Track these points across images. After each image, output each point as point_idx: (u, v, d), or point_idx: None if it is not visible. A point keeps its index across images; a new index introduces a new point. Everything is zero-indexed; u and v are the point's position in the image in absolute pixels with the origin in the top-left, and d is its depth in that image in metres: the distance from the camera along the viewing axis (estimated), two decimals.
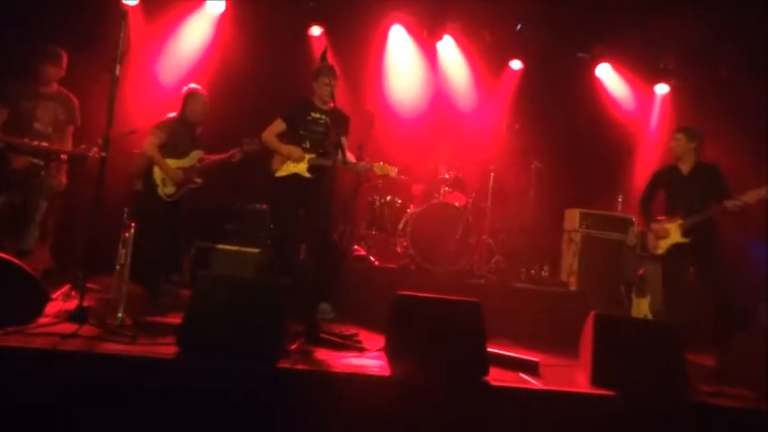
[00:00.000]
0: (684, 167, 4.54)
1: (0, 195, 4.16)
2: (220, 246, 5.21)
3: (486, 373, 2.84)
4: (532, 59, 6.81)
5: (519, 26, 6.51)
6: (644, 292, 5.09)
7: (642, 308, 5.04)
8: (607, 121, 6.77)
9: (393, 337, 2.94)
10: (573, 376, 3.23)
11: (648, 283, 5.05)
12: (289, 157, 4.21)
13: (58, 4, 5.46)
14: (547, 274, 5.70)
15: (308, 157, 4.19)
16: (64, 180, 4.43)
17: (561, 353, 3.80)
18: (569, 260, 5.64)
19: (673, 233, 4.46)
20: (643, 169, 6.71)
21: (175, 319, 3.30)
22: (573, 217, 5.72)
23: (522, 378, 3.02)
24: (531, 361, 3.23)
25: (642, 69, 6.89)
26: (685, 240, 4.39)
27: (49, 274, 4.34)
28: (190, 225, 5.09)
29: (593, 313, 3.20)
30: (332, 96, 4.00)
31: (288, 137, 4.28)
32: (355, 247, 5.65)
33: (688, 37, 6.53)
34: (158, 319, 3.54)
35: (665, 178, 4.65)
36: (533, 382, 2.95)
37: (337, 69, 6.36)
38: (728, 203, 4.16)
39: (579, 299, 5.01)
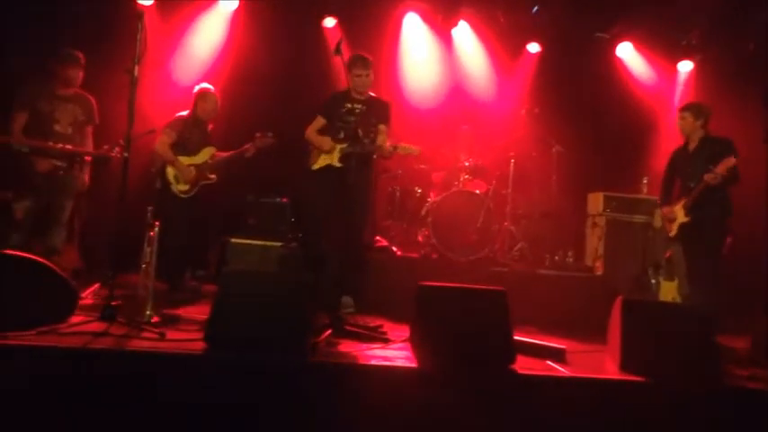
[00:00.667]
0: (692, 145, 4.46)
1: (26, 198, 4.26)
2: (243, 240, 5.26)
3: (513, 361, 2.83)
4: (550, 42, 6.67)
5: (535, 8, 6.39)
6: (671, 275, 5.01)
7: (670, 291, 4.97)
8: (629, 102, 6.60)
9: (418, 327, 2.94)
10: (601, 363, 3.20)
11: (676, 266, 4.97)
12: (320, 148, 4.28)
13: (73, 6, 5.51)
14: (571, 259, 5.62)
15: (338, 146, 4.23)
16: (87, 180, 4.51)
17: (589, 339, 3.76)
18: (594, 244, 5.56)
19: (678, 213, 4.41)
20: (668, 150, 6.55)
21: (202, 315, 3.35)
22: (597, 200, 5.63)
23: (550, 366, 2.99)
24: (558, 348, 3.20)
25: (665, 47, 6.70)
26: (687, 219, 4.33)
27: (78, 272, 4.45)
28: (213, 220, 5.15)
29: (620, 298, 3.14)
30: (365, 86, 4.12)
31: (328, 131, 4.36)
32: (377, 237, 5.64)
33: (712, 10, 6.34)
34: (185, 314, 3.59)
35: (676, 159, 4.59)
36: (561, 370, 2.92)
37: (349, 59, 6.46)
38: (708, 177, 4.08)
39: (605, 284, 4.94)
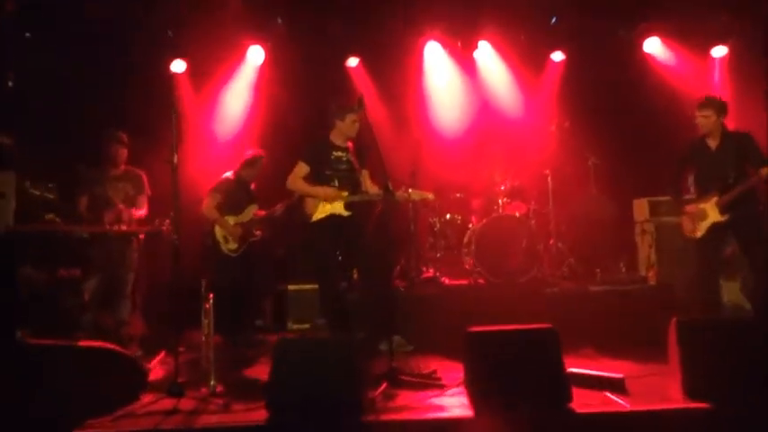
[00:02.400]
0: (713, 142, 4.30)
1: (93, 277, 4.59)
2: (294, 287, 5.45)
3: (570, 399, 2.81)
4: (573, 48, 6.58)
5: (554, 19, 6.35)
6: (733, 275, 4.84)
7: (733, 291, 4.80)
8: (663, 98, 6.39)
9: (471, 373, 2.97)
10: (664, 388, 3.10)
11: (738, 264, 4.80)
12: (325, 198, 4.18)
13: (116, 87, 5.91)
14: (624, 269, 5.49)
15: (342, 194, 4.19)
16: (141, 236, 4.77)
17: (649, 356, 3.68)
18: (646, 252, 5.42)
19: (710, 212, 4.23)
20: None
21: (263, 374, 3.49)
22: (642, 207, 5.51)
23: (609, 398, 2.95)
24: (616, 378, 3.14)
25: (694, 34, 6.49)
26: (723, 218, 4.17)
27: (144, 339, 4.74)
28: (265, 269, 5.36)
29: (674, 319, 3.07)
30: (356, 131, 4.16)
31: (313, 178, 4.25)
32: (423, 269, 5.71)
33: None
34: (248, 376, 3.75)
35: (693, 154, 4.43)
36: (621, 402, 2.87)
37: (379, 97, 6.60)
38: (754, 179, 3.95)
39: (661, 293, 4.83)
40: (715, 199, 4.21)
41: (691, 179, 4.76)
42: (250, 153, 5.05)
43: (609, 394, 3.00)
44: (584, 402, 2.86)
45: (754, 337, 2.95)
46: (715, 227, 4.22)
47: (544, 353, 2.90)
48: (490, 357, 2.93)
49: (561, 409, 2.77)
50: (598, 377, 3.19)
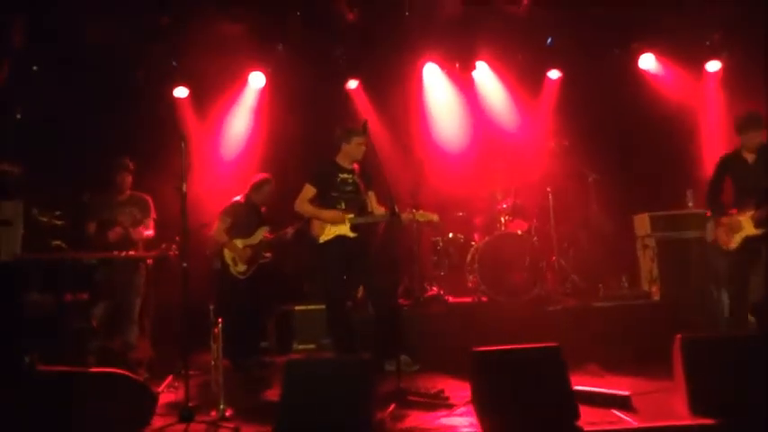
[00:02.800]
0: (750, 155, 4.36)
1: (100, 302, 4.64)
2: (300, 307, 5.49)
3: (577, 416, 2.84)
4: (570, 66, 6.68)
5: (549, 40, 6.47)
6: None
7: None
8: (659, 114, 6.49)
9: (478, 393, 3.00)
10: (670, 404, 3.14)
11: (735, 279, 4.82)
12: (332, 222, 4.26)
13: (120, 114, 6.02)
14: (626, 284, 5.53)
15: (348, 217, 4.27)
16: (150, 262, 4.82)
17: (654, 373, 3.71)
18: (648, 267, 5.46)
19: (745, 225, 4.28)
20: (710, 156, 6.41)
21: (272, 396, 3.51)
22: (643, 222, 5.55)
23: (616, 416, 2.98)
24: (622, 395, 3.18)
25: (689, 51, 6.60)
26: (758, 232, 4.21)
27: (152, 364, 4.76)
28: (272, 290, 5.40)
29: (678, 336, 3.11)
30: (362, 154, 4.26)
31: (319, 201, 4.35)
32: (427, 287, 5.74)
33: (731, 7, 6.25)
34: (256, 396, 3.78)
35: (731, 166, 4.47)
36: (628, 420, 2.90)
37: (379, 118, 6.69)
38: None
39: (664, 308, 4.86)
40: (751, 212, 4.25)
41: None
42: (257, 177, 5.14)
43: (616, 411, 3.03)
44: (591, 420, 2.89)
45: (757, 353, 2.98)
46: (749, 240, 4.25)
47: (550, 371, 2.93)
48: (496, 376, 2.96)
49: (569, 426, 2.79)
50: (604, 394, 3.22)
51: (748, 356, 2.96)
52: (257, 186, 5.05)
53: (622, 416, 2.97)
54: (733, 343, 3.12)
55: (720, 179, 4.54)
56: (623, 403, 3.11)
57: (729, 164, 4.47)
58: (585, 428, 2.79)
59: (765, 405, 2.79)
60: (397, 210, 3.67)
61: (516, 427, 2.78)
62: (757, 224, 4.22)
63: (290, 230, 4.95)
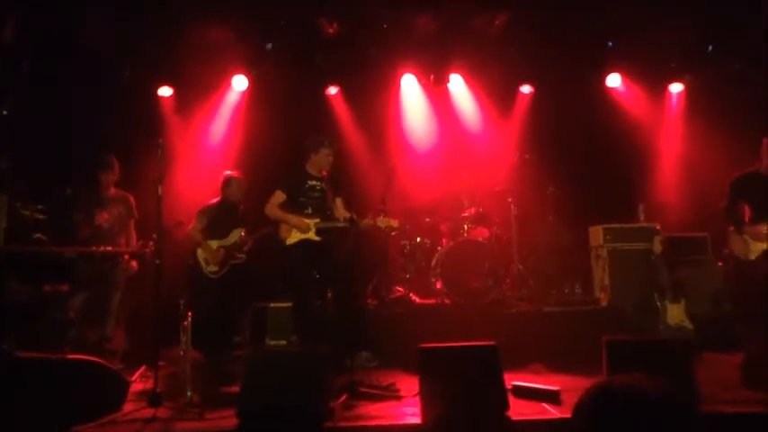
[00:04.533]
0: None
1: (79, 294, 4.86)
2: (272, 304, 5.74)
3: (507, 408, 3.16)
4: (541, 81, 6.99)
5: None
6: (677, 298, 5.23)
7: (676, 314, 5.18)
8: (621, 131, 6.85)
9: (423, 385, 3.30)
10: None
11: (682, 288, 5.20)
12: (298, 228, 4.61)
13: (104, 111, 6.22)
14: (579, 291, 5.88)
15: (312, 222, 4.61)
16: (135, 265, 5.07)
17: (591, 371, 3.96)
18: (600, 276, 5.81)
19: (765, 237, 4.49)
20: (665, 173, 6.82)
21: (237, 386, 3.76)
22: (597, 233, 5.90)
23: (545, 408, 3.30)
24: (553, 390, 3.51)
25: (653, 73, 6.96)
26: None
27: (126, 355, 5.00)
28: (243, 289, 5.64)
29: (604, 339, 3.44)
30: (329, 165, 4.59)
31: (288, 205, 4.70)
32: (396, 288, 6.04)
33: (693, 34, 6.61)
34: (222, 388, 4.04)
35: (749, 185, 4.65)
36: (552, 411, 3.23)
37: (356, 125, 6.98)
38: None
39: (610, 314, 5.20)
40: None
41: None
42: (223, 175, 5.36)
43: (546, 405, 3.35)
44: (520, 411, 3.21)
45: (671, 354, 3.33)
46: (766, 253, 4.42)
47: (487, 367, 3.25)
48: (439, 371, 3.27)
49: (499, 417, 3.11)
50: (538, 390, 3.55)
51: (663, 357, 3.30)
52: (225, 184, 5.30)
53: (549, 408, 3.29)
54: (650, 345, 3.46)
55: (737, 197, 4.69)
56: (553, 397, 3.44)
57: (747, 182, 4.65)
58: (514, 418, 3.11)
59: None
60: (354, 217, 3.98)
61: (453, 416, 3.09)
62: None
63: (270, 230, 5.17)
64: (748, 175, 4.69)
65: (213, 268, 5.14)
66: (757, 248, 4.53)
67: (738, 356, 4.22)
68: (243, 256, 5.25)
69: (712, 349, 4.81)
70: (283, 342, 5.61)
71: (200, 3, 5.89)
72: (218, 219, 5.22)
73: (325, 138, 4.69)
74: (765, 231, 4.50)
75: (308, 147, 4.70)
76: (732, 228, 4.67)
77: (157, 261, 3.59)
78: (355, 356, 4.46)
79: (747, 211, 4.69)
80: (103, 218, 4.97)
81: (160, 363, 3.83)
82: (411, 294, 5.88)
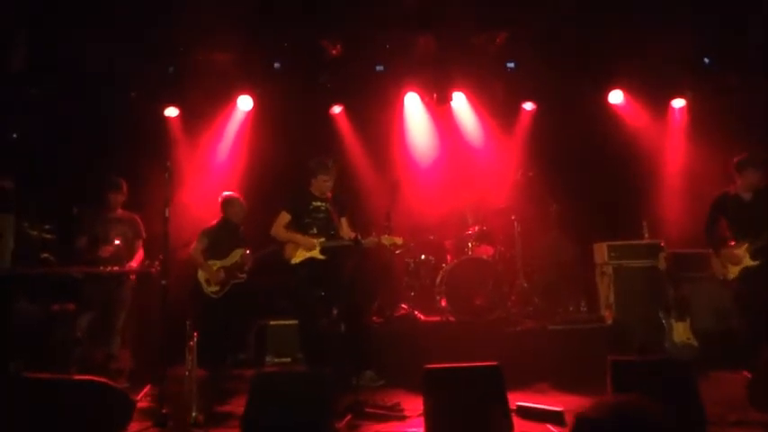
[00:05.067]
0: (747, 194, 4.76)
1: (86, 313, 4.91)
2: (275, 322, 5.76)
3: (512, 429, 3.15)
4: (543, 99, 7.02)
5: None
6: (683, 316, 5.21)
7: (682, 331, 5.17)
8: (624, 147, 6.83)
9: (428, 405, 3.30)
10: None
11: (688, 305, 5.18)
12: (304, 247, 4.66)
13: (111, 131, 6.31)
14: (585, 309, 5.87)
15: (317, 241, 4.66)
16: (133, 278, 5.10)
17: (596, 391, 3.94)
18: (605, 293, 5.79)
19: (743, 257, 4.69)
20: (667, 188, 6.81)
21: (242, 406, 3.77)
22: (602, 250, 5.90)
23: (549, 430, 3.29)
24: (557, 411, 3.50)
25: (655, 89, 6.97)
26: (755, 263, 4.63)
27: (132, 373, 5.02)
28: (245, 307, 5.66)
29: (609, 359, 3.44)
30: (329, 189, 4.68)
31: (294, 226, 4.76)
32: (401, 305, 6.04)
33: (694, 49, 6.66)
34: (227, 407, 4.05)
35: (726, 206, 4.86)
36: None
37: (360, 142, 7.03)
38: None
39: (615, 333, 5.18)
40: (746, 245, 4.66)
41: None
42: (223, 196, 5.43)
43: (550, 426, 3.34)
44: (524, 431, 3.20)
45: (674, 375, 3.32)
46: (747, 271, 4.66)
47: (490, 388, 3.25)
48: (444, 392, 3.27)
49: None
50: (542, 410, 3.54)
51: (666, 378, 3.29)
52: (226, 204, 5.36)
53: (553, 429, 3.28)
54: (655, 366, 3.45)
55: (716, 217, 4.91)
56: (557, 418, 3.43)
57: (725, 203, 4.86)
58: None
59: (681, 420, 3.11)
60: (359, 237, 4.03)
61: None
62: (753, 256, 4.63)
63: (275, 249, 5.19)
64: (725, 196, 4.87)
65: (214, 288, 5.19)
66: (735, 269, 4.74)
67: (745, 374, 4.20)
68: (244, 275, 5.29)
69: (719, 367, 4.78)
70: (288, 360, 5.63)
71: (205, 26, 5.99)
72: (219, 239, 5.27)
73: (328, 160, 4.76)
74: (741, 254, 4.69)
75: (311, 170, 4.77)
76: (711, 250, 4.90)
77: (164, 282, 3.63)
78: (360, 375, 4.48)
79: (726, 231, 4.89)
80: (108, 251, 4.95)
81: (166, 382, 3.86)
82: (416, 312, 5.88)
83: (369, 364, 4.62)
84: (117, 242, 4.98)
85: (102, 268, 4.76)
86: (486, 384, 3.28)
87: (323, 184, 4.74)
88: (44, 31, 5.63)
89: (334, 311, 5.29)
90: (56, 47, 5.74)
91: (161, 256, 4.06)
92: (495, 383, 3.26)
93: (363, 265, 5.19)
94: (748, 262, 4.66)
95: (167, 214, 3.57)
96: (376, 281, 6.01)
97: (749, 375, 4.01)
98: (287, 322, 5.66)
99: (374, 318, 5.83)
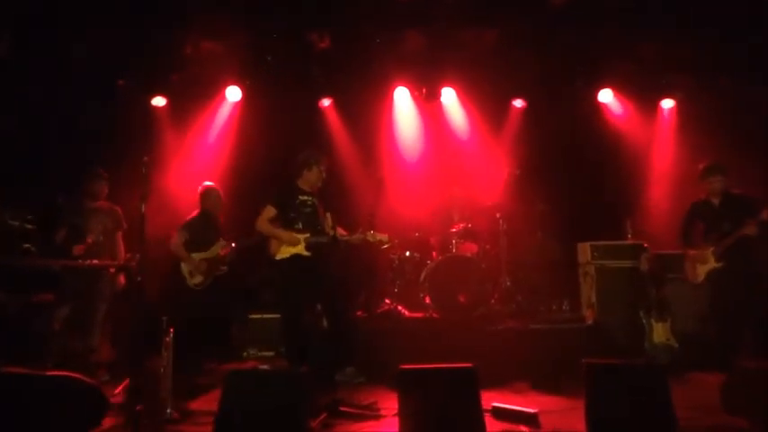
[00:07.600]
0: (716, 200, 5.01)
1: (65, 305, 4.87)
2: (258, 315, 5.76)
3: (484, 431, 3.16)
4: (533, 96, 7.01)
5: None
6: (663, 316, 5.24)
7: (662, 332, 5.20)
8: (611, 147, 6.86)
9: (402, 406, 3.30)
10: (572, 424, 3.47)
11: (669, 307, 5.21)
12: (288, 243, 4.61)
13: (95, 121, 6.23)
14: (567, 308, 5.89)
15: (302, 237, 4.61)
16: (122, 280, 5.08)
17: (572, 391, 4.02)
18: (587, 293, 5.82)
19: (708, 259, 4.93)
20: (654, 188, 6.82)
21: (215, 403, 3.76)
22: (585, 250, 5.92)
23: (523, 430, 3.31)
24: (531, 413, 3.51)
25: (644, 88, 6.98)
26: (719, 265, 4.87)
27: (112, 366, 5.00)
28: (228, 300, 5.64)
29: (583, 361, 3.44)
30: (321, 182, 4.67)
31: (279, 220, 4.70)
32: (385, 301, 6.04)
33: (684, 50, 6.65)
34: (203, 404, 4.04)
35: (700, 212, 5.12)
36: None
37: (348, 136, 7.00)
38: (748, 228, 4.66)
39: (596, 333, 5.20)
40: (712, 248, 4.91)
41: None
42: (201, 187, 5.39)
43: (523, 427, 3.36)
44: None
45: (648, 382, 3.32)
46: (713, 273, 4.92)
47: (464, 389, 3.25)
48: (418, 392, 3.27)
49: None
50: (516, 411, 3.55)
51: (640, 384, 3.30)
52: (205, 195, 5.32)
53: (526, 431, 3.30)
54: (629, 370, 3.45)
55: (690, 222, 5.18)
56: (530, 420, 3.45)
57: (699, 209, 5.12)
58: None
59: (646, 423, 3.14)
60: (336, 235, 4.03)
61: None
62: (717, 258, 4.87)
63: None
64: (698, 202, 5.14)
65: (197, 279, 5.17)
66: (702, 271, 5.00)
67: (722, 377, 4.22)
68: (225, 268, 5.27)
69: (698, 368, 4.82)
70: (271, 353, 5.63)
71: (194, 16, 5.91)
72: (200, 232, 5.24)
73: (320, 154, 4.73)
74: (708, 255, 4.94)
75: (302, 162, 4.72)
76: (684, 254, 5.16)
77: (139, 278, 3.60)
78: (341, 372, 4.48)
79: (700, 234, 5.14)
80: (80, 249, 4.85)
81: (141, 379, 3.84)
82: (399, 307, 5.89)
83: (350, 361, 4.63)
84: (90, 240, 4.90)
85: (80, 261, 4.71)
86: (460, 386, 3.28)
87: (317, 176, 4.69)
88: (29, 19, 5.54)
89: (318, 307, 5.30)
90: (41, 34, 5.63)
91: (138, 255, 4.03)
92: (468, 385, 3.26)
93: (348, 262, 5.17)
94: (713, 264, 4.92)
95: (143, 210, 3.54)
96: (361, 277, 6.01)
97: (723, 379, 4.03)
98: (270, 315, 5.66)
99: (358, 313, 5.83)
